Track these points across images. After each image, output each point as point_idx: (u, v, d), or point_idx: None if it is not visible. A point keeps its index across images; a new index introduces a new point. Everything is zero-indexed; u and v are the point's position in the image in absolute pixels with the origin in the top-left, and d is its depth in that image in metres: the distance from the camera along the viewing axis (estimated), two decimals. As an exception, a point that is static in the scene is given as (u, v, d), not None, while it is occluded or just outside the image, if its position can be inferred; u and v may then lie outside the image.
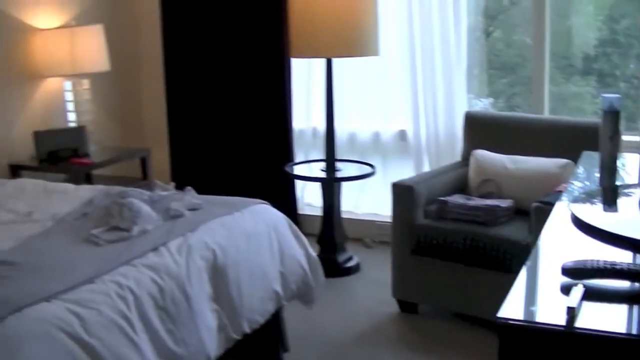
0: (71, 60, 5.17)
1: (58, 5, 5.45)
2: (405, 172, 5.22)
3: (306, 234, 4.92)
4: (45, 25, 5.32)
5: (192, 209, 3.62)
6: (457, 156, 4.89)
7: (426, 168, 5.31)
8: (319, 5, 4.62)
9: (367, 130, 5.64)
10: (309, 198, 5.95)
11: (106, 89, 5.90)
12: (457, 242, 3.99)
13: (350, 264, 5.04)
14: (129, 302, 2.72)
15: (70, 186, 4.30)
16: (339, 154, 5.21)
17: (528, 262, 1.84)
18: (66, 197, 4.05)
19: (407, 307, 4.33)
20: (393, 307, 4.35)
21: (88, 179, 5.13)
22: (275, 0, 5.42)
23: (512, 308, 1.58)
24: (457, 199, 4.19)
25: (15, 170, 5.11)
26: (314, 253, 3.84)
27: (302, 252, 3.76)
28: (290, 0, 4.88)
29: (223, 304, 3.18)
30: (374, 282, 4.76)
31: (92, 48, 5.28)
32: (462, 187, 4.49)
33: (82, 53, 5.21)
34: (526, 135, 4.50)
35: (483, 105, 5.52)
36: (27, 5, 5.22)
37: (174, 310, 2.89)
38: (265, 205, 3.83)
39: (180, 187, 4.03)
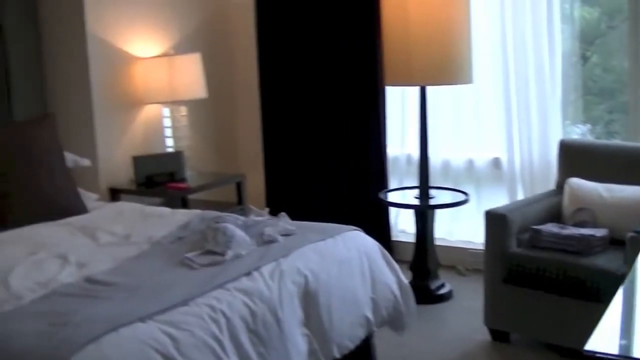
0: (170, 87, 5.30)
1: (158, 35, 5.59)
2: (499, 199, 5.19)
3: (399, 261, 4.93)
4: (146, 54, 5.46)
5: (286, 235, 3.66)
6: (552, 184, 4.82)
7: (520, 196, 5.25)
8: (413, 33, 4.64)
9: (461, 157, 5.61)
10: (403, 225, 5.94)
11: (203, 115, 6.01)
12: (550, 272, 3.92)
13: (443, 291, 5.01)
14: (221, 325, 2.77)
15: (167, 210, 4.40)
16: (432, 181, 5.20)
17: (619, 294, 1.81)
18: (162, 220, 4.15)
19: (498, 335, 4.27)
20: (485, 335, 4.31)
21: (184, 203, 5.23)
22: (370, 29, 5.46)
23: (600, 340, 1.56)
24: (551, 227, 4.13)
25: (115, 194, 5.24)
26: (405, 280, 3.83)
27: (393, 278, 3.76)
28: (384, 29, 4.90)
29: (314, 329, 3.21)
30: (466, 309, 4.73)
31: (190, 76, 5.39)
32: (556, 215, 4.43)
33: (180, 81, 5.33)
34: (622, 163, 4.41)
35: (580, 132, 5.44)
36: (129, 35, 5.38)
37: (265, 333, 2.93)
38: (357, 231, 3.85)
39: (274, 212, 4.07)
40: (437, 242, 5.20)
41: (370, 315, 3.54)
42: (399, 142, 5.82)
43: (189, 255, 3.36)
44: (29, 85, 5.21)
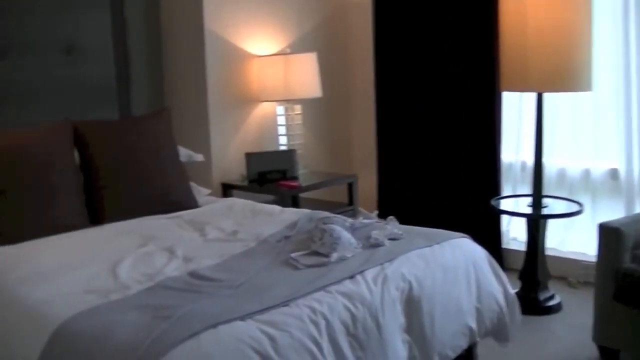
0: (285, 86, 5.34)
1: (275, 33, 5.65)
2: (615, 212, 5.04)
3: (510, 269, 4.87)
4: (262, 52, 5.53)
5: (393, 239, 3.63)
6: (672, 199, 4.66)
7: (638, 209, 5.07)
8: (531, 39, 4.54)
9: (577, 166, 5.46)
10: (515, 232, 5.83)
11: (317, 114, 6.04)
12: (664, 291, 3.79)
13: (551, 303, 4.89)
14: (320, 327, 2.76)
15: (276, 208, 4.43)
16: (546, 190, 5.09)
17: None
18: (271, 218, 4.19)
19: (607, 353, 4.12)
20: (592, 352, 4.16)
21: (294, 202, 5.25)
22: (487, 32, 5.39)
23: None
24: (668, 244, 3.99)
25: (227, 189, 5.31)
26: (512, 290, 3.76)
27: (500, 288, 3.69)
28: (502, 33, 4.82)
29: (415, 336, 3.18)
30: (575, 324, 4.60)
31: (305, 75, 5.43)
32: (674, 231, 4.28)
33: (295, 79, 5.37)
34: None
35: None
36: (246, 33, 5.45)
37: (365, 338, 2.90)
38: (466, 239, 3.79)
39: (383, 215, 4.06)
40: (549, 252, 5.08)
41: (473, 325, 3.48)
42: (514, 148, 5.72)
43: (294, 255, 3.37)
44: (148, 81, 5.34)
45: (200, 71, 5.24)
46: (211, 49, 5.23)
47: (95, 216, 4.17)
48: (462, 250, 3.66)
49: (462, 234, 3.80)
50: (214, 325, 2.55)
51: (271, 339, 2.57)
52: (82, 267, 3.31)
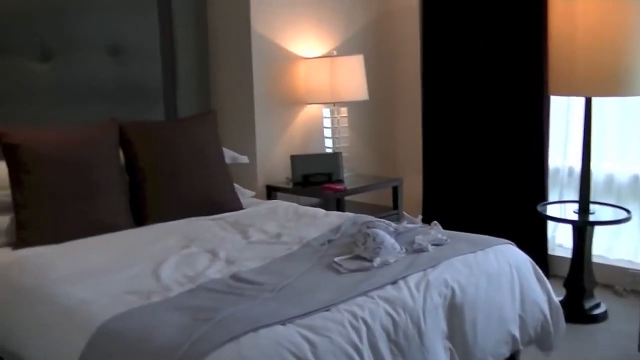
0: (331, 88, 5.34)
1: (321, 36, 5.64)
2: (664, 219, 4.97)
3: (555, 276, 4.79)
4: (309, 54, 5.53)
5: (436, 244, 3.61)
6: None
7: (687, 217, 5.01)
8: (579, 43, 4.48)
9: (626, 172, 5.38)
10: (561, 239, 5.76)
11: (363, 117, 6.03)
12: None
13: (597, 311, 4.82)
14: (361, 333, 2.74)
15: (320, 211, 4.42)
16: (594, 196, 5.02)
17: None
18: (315, 221, 4.18)
19: (653, 363, 4.09)
20: (638, 362, 4.14)
21: (339, 205, 5.24)
22: (535, 36, 5.34)
23: None
24: None
25: (271, 191, 5.32)
26: (556, 299, 3.71)
27: (544, 297, 3.64)
28: (550, 37, 4.77)
29: (457, 343, 3.15)
30: (620, 333, 4.53)
31: (352, 77, 5.42)
32: None
33: (341, 82, 5.36)
34: None
35: None
36: (293, 34, 5.45)
37: (406, 344, 2.88)
38: (510, 245, 3.74)
39: (428, 219, 4.03)
40: (595, 259, 5.01)
41: (516, 333, 3.44)
42: (562, 153, 5.65)
43: (337, 259, 3.36)
44: (195, 82, 5.37)
45: (247, 73, 5.25)
46: (258, 50, 5.24)
47: (139, 216, 4.20)
48: (506, 257, 3.61)
49: (506, 240, 3.76)
50: (255, 329, 2.55)
51: (311, 344, 2.57)
52: (125, 268, 3.33)
